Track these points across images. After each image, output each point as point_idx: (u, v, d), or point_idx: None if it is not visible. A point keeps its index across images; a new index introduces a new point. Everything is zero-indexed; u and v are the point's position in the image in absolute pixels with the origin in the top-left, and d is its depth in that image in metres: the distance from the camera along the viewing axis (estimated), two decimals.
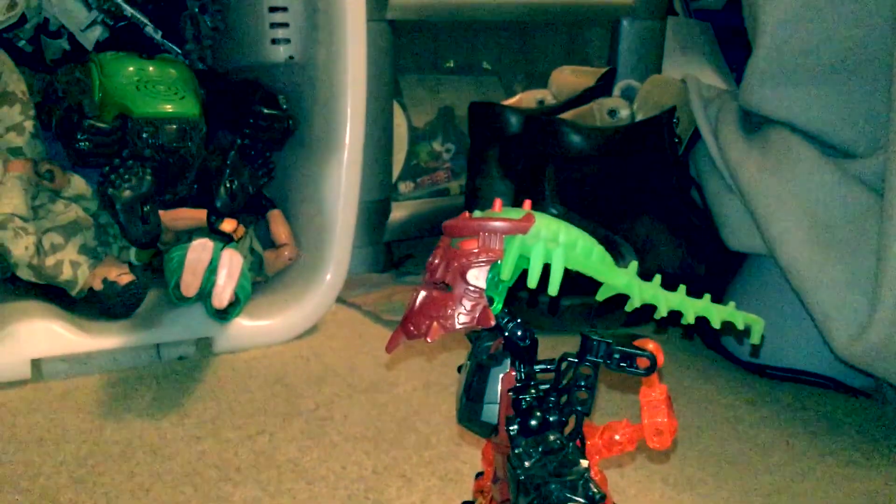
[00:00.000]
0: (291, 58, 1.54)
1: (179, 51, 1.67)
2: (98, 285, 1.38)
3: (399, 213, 1.86)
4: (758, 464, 1.11)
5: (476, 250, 0.58)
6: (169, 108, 1.45)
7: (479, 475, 0.76)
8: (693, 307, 0.65)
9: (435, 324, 0.58)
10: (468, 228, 0.60)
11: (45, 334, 1.28)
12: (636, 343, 0.60)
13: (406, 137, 1.91)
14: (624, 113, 1.61)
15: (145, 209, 1.38)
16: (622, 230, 1.51)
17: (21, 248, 1.33)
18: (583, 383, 0.60)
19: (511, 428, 0.60)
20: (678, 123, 1.54)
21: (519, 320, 0.63)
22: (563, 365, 0.61)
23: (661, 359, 0.60)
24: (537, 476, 0.56)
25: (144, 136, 1.41)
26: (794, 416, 1.26)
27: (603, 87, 1.73)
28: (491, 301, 0.60)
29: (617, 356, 0.59)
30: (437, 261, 0.60)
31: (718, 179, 1.45)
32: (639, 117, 1.63)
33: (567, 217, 1.50)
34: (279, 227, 1.55)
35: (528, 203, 0.63)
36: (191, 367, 1.34)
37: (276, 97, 1.51)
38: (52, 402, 1.21)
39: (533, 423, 0.59)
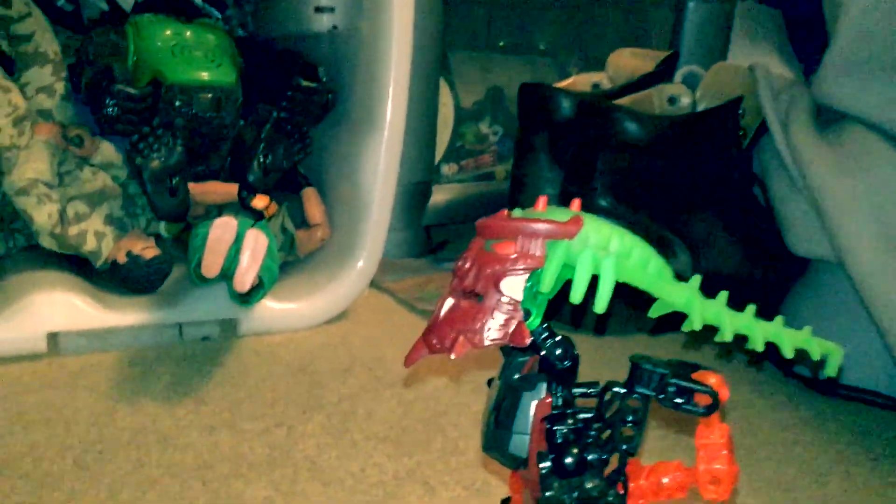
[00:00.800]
0: (335, 27, 1.47)
1: (220, 15, 1.61)
2: (122, 258, 1.32)
3: (440, 196, 1.78)
4: (814, 493, 1.01)
5: (513, 256, 0.50)
6: (204, 75, 1.39)
7: (505, 501, 0.68)
8: (763, 332, 0.55)
9: (461, 338, 0.50)
10: (505, 230, 0.51)
11: (64, 307, 1.22)
12: (696, 375, 0.51)
13: (452, 117, 1.83)
14: (685, 101, 1.50)
15: (174, 181, 1.32)
16: (676, 227, 1.41)
17: (44, 216, 1.27)
18: (630, 418, 0.51)
19: (543, 466, 0.51)
20: (744, 115, 1.44)
21: (559, 338, 0.54)
22: (608, 395, 0.52)
23: (724, 395, 0.51)
24: None
25: (177, 104, 1.35)
26: (854, 439, 1.16)
27: (663, 73, 1.62)
28: (528, 315, 0.51)
29: (672, 390, 0.50)
30: (467, 265, 0.52)
31: (785, 177, 1.34)
32: (701, 106, 1.53)
33: (617, 210, 1.41)
34: (313, 206, 1.48)
35: (576, 203, 0.54)
36: (213, 350, 1.28)
37: (317, 69, 1.44)
38: (65, 379, 1.15)
39: (569, 461, 0.51)
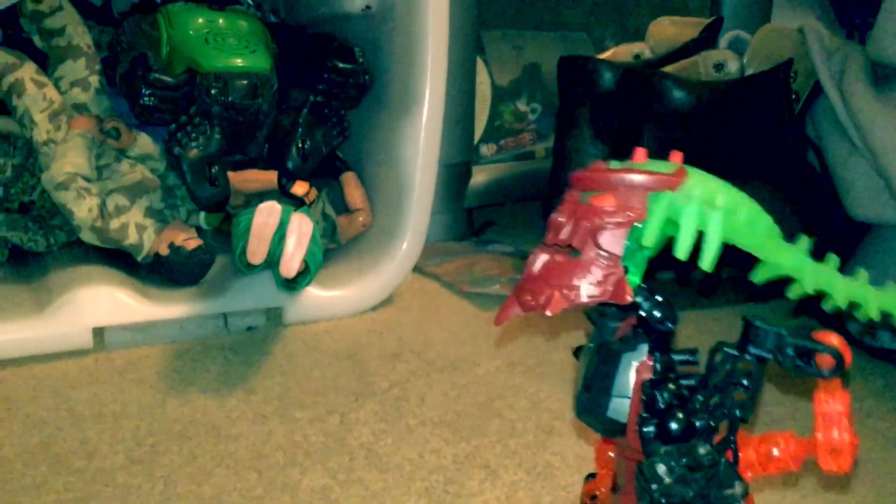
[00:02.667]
0: (368, 7, 1.43)
1: (251, 2, 1.58)
2: (164, 250, 1.30)
3: (480, 177, 1.74)
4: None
5: (612, 208, 0.47)
6: (239, 62, 1.36)
7: (590, 477, 0.64)
8: (877, 299, 0.51)
9: (557, 294, 0.47)
10: (604, 181, 0.48)
11: (109, 301, 1.21)
12: (816, 335, 0.47)
13: (489, 96, 1.79)
14: (733, 66, 1.45)
15: (213, 170, 1.30)
16: None
17: (84, 210, 1.26)
18: (744, 381, 0.47)
19: (647, 430, 0.48)
20: (795, 78, 1.38)
21: (659, 298, 0.51)
22: (719, 357, 0.48)
23: (848, 357, 0.46)
24: (677, 495, 0.45)
25: (213, 92, 1.33)
26: None
27: (707, 40, 1.57)
28: (625, 271, 0.48)
29: (791, 351, 0.46)
30: (562, 218, 0.48)
31: (842, 140, 1.29)
32: (749, 71, 1.48)
33: None
34: (354, 190, 1.45)
35: (677, 155, 0.51)
36: (259, 339, 1.26)
37: (353, 50, 1.40)
38: (112, 373, 1.14)
39: (674, 426, 0.47)
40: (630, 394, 0.50)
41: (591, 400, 0.51)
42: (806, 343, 0.46)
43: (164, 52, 1.38)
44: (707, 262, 0.46)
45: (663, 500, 0.45)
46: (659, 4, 2.15)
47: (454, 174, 1.67)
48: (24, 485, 0.88)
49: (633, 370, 0.50)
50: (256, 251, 1.09)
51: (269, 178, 1.37)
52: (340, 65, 1.39)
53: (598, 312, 0.52)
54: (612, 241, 0.47)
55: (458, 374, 1.15)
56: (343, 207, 1.46)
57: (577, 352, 0.56)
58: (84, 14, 1.49)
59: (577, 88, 1.52)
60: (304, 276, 1.19)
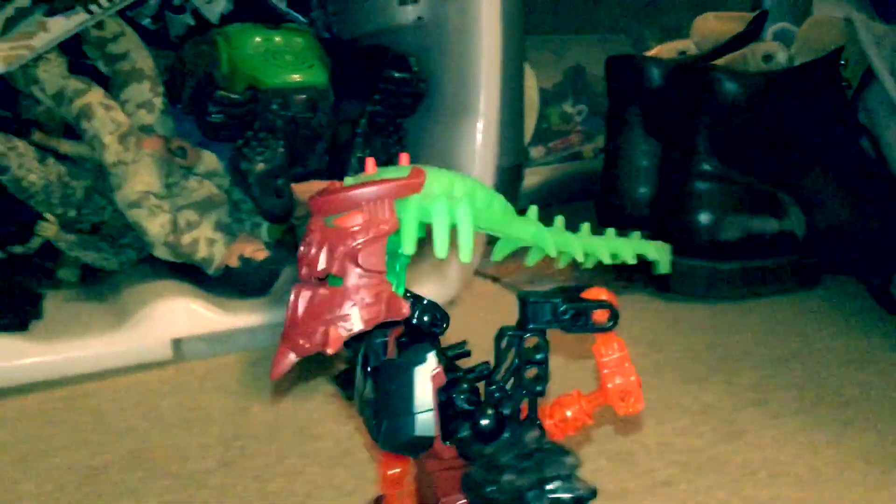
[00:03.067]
0: (420, 18, 1.47)
1: (304, 20, 1.62)
2: (234, 262, 1.34)
3: (531, 179, 1.77)
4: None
5: (359, 226, 0.45)
6: (297, 77, 1.40)
7: (378, 501, 0.63)
8: (606, 246, 0.54)
9: (332, 328, 0.45)
10: (347, 200, 0.45)
11: (186, 313, 1.24)
12: (586, 294, 0.49)
13: (537, 100, 1.82)
14: (782, 57, 1.47)
15: (278, 182, 1.34)
16: (785, 186, 1.37)
17: (157, 226, 1.30)
18: (539, 356, 0.48)
19: (462, 436, 0.47)
20: (846, 66, 1.39)
21: (426, 302, 0.50)
22: (504, 341, 0.49)
23: (617, 305, 0.49)
24: (515, 488, 0.44)
25: (274, 107, 1.37)
26: None
27: (753, 33, 1.58)
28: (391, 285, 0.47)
29: (567, 315, 0.48)
30: (313, 249, 0.46)
31: None
32: (797, 62, 1.49)
33: (723, 173, 1.38)
34: None
35: (405, 157, 0.51)
36: None
37: (408, 59, 1.44)
38: (193, 382, 1.18)
39: (485, 422, 0.46)
40: (433, 405, 0.48)
41: (393, 425, 0.48)
42: (579, 305, 0.48)
43: (224, 70, 1.43)
44: (466, 253, 0.46)
45: (503, 498, 0.44)
46: (696, 0, 2.16)
47: (507, 177, 1.69)
48: (123, 490, 0.92)
49: (429, 380, 0.48)
50: None
51: None
52: (396, 74, 1.42)
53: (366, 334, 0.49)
54: (373, 258, 0.45)
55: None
56: None
57: (340, 379, 0.55)
58: (142, 39, 1.54)
59: (626, 87, 1.54)
60: None
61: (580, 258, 0.53)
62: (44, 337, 1.18)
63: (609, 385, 0.50)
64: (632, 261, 0.55)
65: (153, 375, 1.20)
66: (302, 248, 0.47)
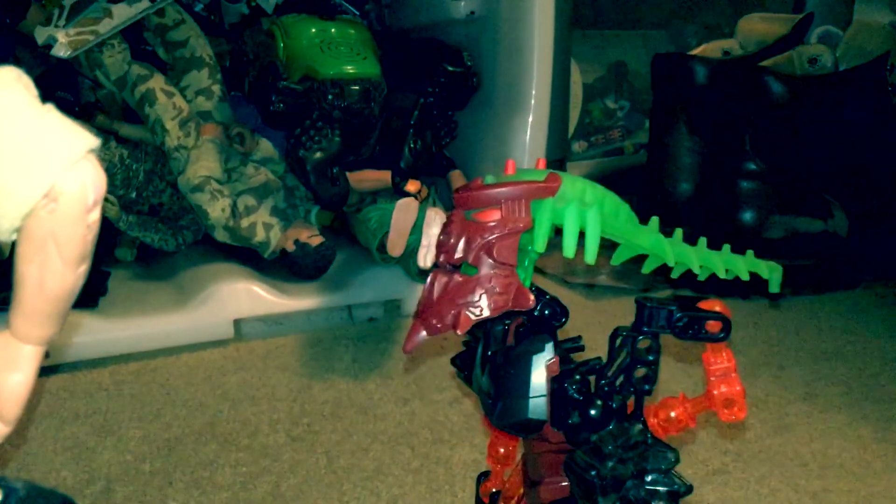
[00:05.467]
0: (472, 13, 1.50)
1: (357, 12, 1.66)
2: (290, 247, 1.38)
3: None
4: None
5: (497, 221, 0.49)
6: (351, 69, 1.44)
7: (483, 476, 0.65)
8: (722, 261, 0.56)
9: (463, 312, 0.49)
10: (488, 197, 0.49)
11: (247, 295, 1.29)
12: (701, 304, 0.51)
13: (581, 95, 1.85)
14: (828, 60, 1.49)
15: (334, 170, 1.38)
16: (830, 187, 1.40)
17: (218, 210, 1.34)
18: (650, 358, 0.50)
19: (572, 421, 0.51)
20: (892, 70, 1.42)
21: (549, 296, 0.54)
22: (619, 340, 0.51)
23: (729, 316, 0.51)
24: (617, 476, 0.48)
25: (330, 97, 1.40)
26: None
27: (797, 35, 1.61)
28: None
29: (682, 323, 0.50)
30: (452, 239, 0.50)
31: None
32: (843, 65, 1.51)
33: (768, 173, 1.40)
34: None
35: (541, 161, 0.53)
36: (382, 329, 1.34)
37: (461, 54, 1.47)
38: (256, 361, 1.22)
39: (594, 412, 0.50)
40: (546, 391, 0.52)
41: (508, 406, 0.52)
42: (695, 313, 0.50)
43: (282, 60, 1.46)
44: (591, 255, 0.49)
45: (603, 483, 0.47)
46: (736, 2, 2.18)
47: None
48: (199, 461, 0.96)
49: (544, 368, 0.52)
50: (396, 244, 1.16)
51: (383, 177, 1.45)
52: (450, 68, 1.46)
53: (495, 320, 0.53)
54: (506, 252, 0.49)
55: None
56: (450, 205, 1.53)
57: (458, 361, 0.58)
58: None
59: (672, 85, 1.57)
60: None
61: (696, 270, 0.55)
62: (113, 314, 1.22)
63: (715, 392, 0.52)
64: (745, 277, 0.57)
65: (216, 353, 1.24)
66: (442, 237, 0.50)
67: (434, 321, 0.50)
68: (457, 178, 1.53)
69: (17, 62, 1.50)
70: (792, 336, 1.30)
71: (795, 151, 1.40)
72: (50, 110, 0.37)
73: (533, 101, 1.42)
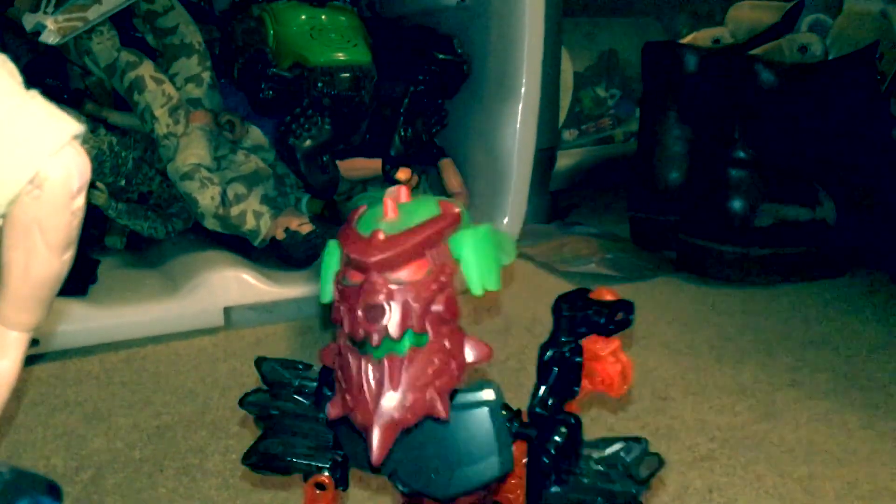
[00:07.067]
0: (463, 0, 1.50)
1: None
2: (280, 235, 1.38)
3: (563, 161, 1.80)
4: None
5: (430, 276, 0.43)
6: (342, 56, 1.43)
7: None
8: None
9: (441, 389, 0.44)
10: (409, 252, 0.43)
11: (236, 283, 1.29)
12: (593, 295, 0.50)
13: (571, 83, 1.85)
14: (817, 49, 1.50)
15: (324, 158, 1.38)
16: (818, 176, 1.41)
17: (207, 198, 1.34)
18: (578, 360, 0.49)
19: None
20: (881, 59, 1.42)
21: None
22: (549, 353, 0.50)
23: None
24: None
25: (319, 85, 1.40)
26: None
27: (787, 23, 1.61)
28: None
29: (604, 320, 0.49)
30: (389, 311, 0.43)
31: None
32: (832, 54, 1.52)
33: (758, 162, 1.41)
34: (451, 175, 1.52)
35: (404, 172, 0.53)
36: None
37: (452, 41, 1.47)
38: (246, 349, 1.22)
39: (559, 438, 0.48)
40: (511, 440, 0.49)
41: (467, 471, 0.48)
42: (608, 308, 0.49)
43: (271, 47, 1.46)
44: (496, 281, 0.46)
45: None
46: None
47: (541, 159, 1.73)
48: (189, 448, 0.97)
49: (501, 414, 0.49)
50: None
51: (374, 165, 1.45)
52: (440, 56, 1.46)
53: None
54: (454, 307, 0.45)
55: None
56: (441, 192, 1.53)
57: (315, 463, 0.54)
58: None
59: (662, 73, 1.57)
60: None
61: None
62: (103, 302, 1.22)
63: (618, 369, 0.51)
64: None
65: (206, 341, 1.24)
66: (360, 311, 0.43)
67: (399, 415, 0.44)
68: (447, 167, 1.53)
69: (5, 49, 1.49)
70: (779, 323, 1.31)
71: (784, 140, 1.41)
72: (34, 96, 0.37)
73: (523, 90, 1.43)
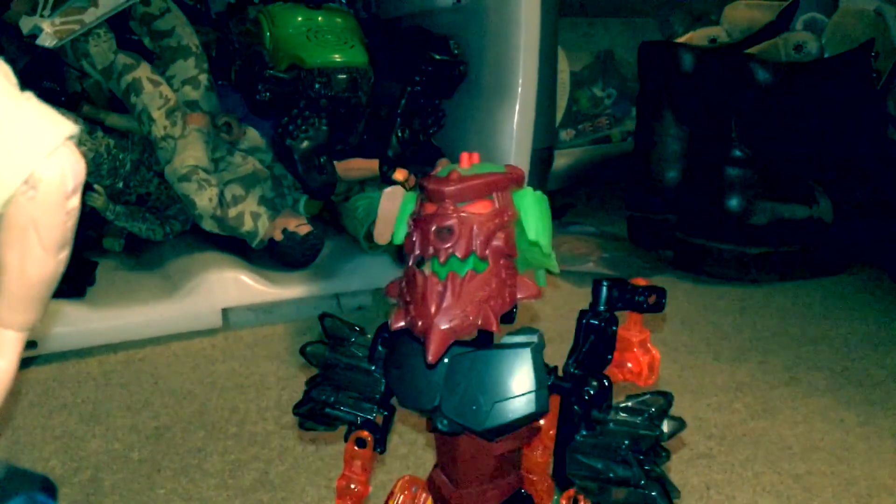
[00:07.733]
0: (459, 1, 1.50)
1: (344, 0, 1.65)
2: (278, 236, 1.38)
3: (561, 161, 1.80)
4: None
5: (494, 213, 0.49)
6: (338, 57, 1.44)
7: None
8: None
9: (492, 308, 0.49)
10: (478, 188, 0.49)
11: (234, 284, 1.29)
12: (633, 281, 0.54)
13: (568, 83, 1.85)
14: (813, 47, 1.50)
15: (322, 159, 1.38)
16: (814, 174, 1.41)
17: (205, 200, 1.34)
18: (614, 329, 0.54)
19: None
20: (876, 57, 1.43)
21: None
22: (584, 321, 0.54)
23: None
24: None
25: (317, 86, 1.40)
26: None
27: (783, 22, 1.61)
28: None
29: (642, 298, 0.53)
30: (456, 233, 0.48)
31: None
32: (828, 52, 1.52)
33: (754, 159, 1.41)
34: None
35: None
36: (371, 317, 1.34)
37: (448, 42, 1.47)
38: (244, 350, 1.22)
39: (592, 391, 0.53)
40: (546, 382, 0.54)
41: (503, 406, 0.52)
42: (644, 289, 0.53)
43: (268, 49, 1.46)
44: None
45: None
46: None
47: (538, 159, 1.73)
48: (187, 449, 0.97)
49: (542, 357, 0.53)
50: (383, 233, 1.16)
51: (371, 165, 1.45)
52: (437, 56, 1.46)
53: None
54: (512, 242, 0.49)
55: (566, 346, 1.22)
56: None
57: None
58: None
59: (659, 73, 1.58)
60: None
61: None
62: (101, 304, 1.23)
63: (646, 359, 0.56)
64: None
65: (204, 342, 1.24)
66: (432, 234, 0.49)
67: (458, 323, 0.48)
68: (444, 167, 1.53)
69: (2, 51, 1.49)
70: (777, 321, 1.31)
71: (781, 138, 1.41)
72: (29, 98, 0.37)
73: (520, 90, 1.43)
